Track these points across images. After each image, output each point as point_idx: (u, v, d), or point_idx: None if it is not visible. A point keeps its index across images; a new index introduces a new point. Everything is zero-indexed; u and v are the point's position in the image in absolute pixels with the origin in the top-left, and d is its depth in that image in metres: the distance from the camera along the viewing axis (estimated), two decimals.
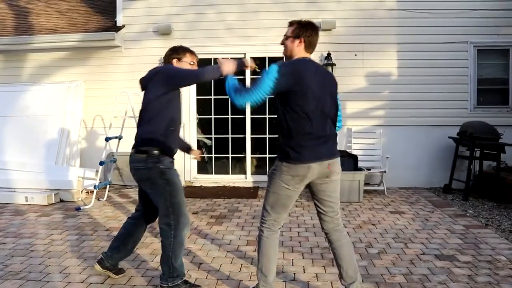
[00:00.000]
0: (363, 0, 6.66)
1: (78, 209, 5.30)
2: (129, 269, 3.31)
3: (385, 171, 6.18)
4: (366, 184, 6.18)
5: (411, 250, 3.75)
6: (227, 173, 7.11)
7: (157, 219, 2.95)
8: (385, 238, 4.10)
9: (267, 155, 6.95)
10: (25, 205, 5.55)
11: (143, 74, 2.95)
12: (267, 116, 6.88)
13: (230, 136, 7.04)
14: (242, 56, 6.76)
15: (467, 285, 3.01)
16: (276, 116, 2.60)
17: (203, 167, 7.18)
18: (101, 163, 5.67)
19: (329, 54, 6.51)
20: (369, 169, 6.25)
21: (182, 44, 3.06)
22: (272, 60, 6.31)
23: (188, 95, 6.87)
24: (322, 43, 6.62)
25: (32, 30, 7.21)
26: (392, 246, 3.88)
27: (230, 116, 7.00)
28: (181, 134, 3.75)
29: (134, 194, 6.27)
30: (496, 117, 6.48)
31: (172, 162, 2.85)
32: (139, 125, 2.87)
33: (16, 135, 6.43)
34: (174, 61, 2.92)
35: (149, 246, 3.88)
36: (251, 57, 6.79)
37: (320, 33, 7.57)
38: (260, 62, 6.83)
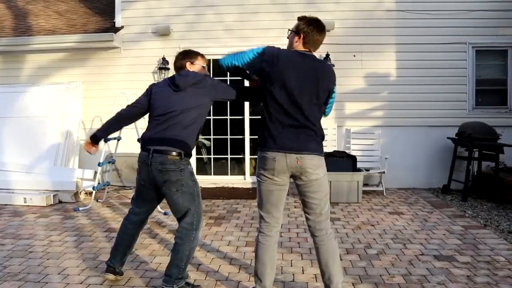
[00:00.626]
0: (362, 1, 6.67)
1: (76, 210, 5.29)
2: (128, 270, 3.30)
3: (384, 172, 6.18)
4: (365, 184, 6.19)
5: (410, 251, 3.75)
6: (226, 174, 7.11)
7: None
8: (384, 239, 4.10)
9: None
10: (23, 206, 5.54)
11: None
12: None
13: (229, 137, 7.04)
14: None
15: (466, 286, 3.01)
16: None
17: (202, 168, 7.18)
18: (99, 164, 5.66)
19: (327, 55, 6.52)
20: (368, 170, 6.25)
21: (191, 48, 3.11)
22: None
23: None
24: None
25: (31, 31, 7.20)
26: (391, 246, 3.88)
27: (229, 117, 7.00)
28: None
29: (132, 195, 6.25)
30: (494, 118, 6.49)
31: None
32: (170, 128, 2.76)
33: (14, 136, 6.42)
34: (188, 65, 2.93)
35: (148, 247, 3.88)
36: None
37: None
38: None
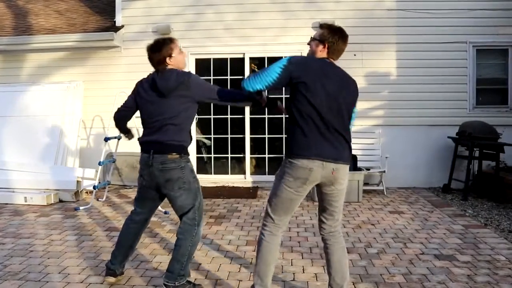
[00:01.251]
0: (362, 0, 6.67)
1: (77, 209, 5.29)
2: (128, 269, 3.30)
3: (384, 171, 6.18)
4: (365, 184, 6.19)
5: (411, 250, 3.75)
6: (227, 173, 7.11)
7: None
8: (384, 238, 4.10)
9: (267, 155, 6.95)
10: (24, 205, 5.54)
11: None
12: (266, 116, 6.88)
13: (229, 136, 7.04)
14: (241, 56, 6.79)
15: (467, 285, 3.01)
16: (279, 115, 2.59)
17: (202, 167, 7.18)
18: (100, 163, 5.66)
19: None
20: (368, 169, 6.25)
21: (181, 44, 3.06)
22: (271, 60, 6.33)
23: None
24: None
25: (31, 30, 7.20)
26: (391, 246, 3.88)
27: (229, 116, 7.00)
28: None
29: (133, 194, 6.26)
30: (495, 117, 6.49)
31: None
32: (163, 129, 2.78)
33: (15, 135, 6.42)
34: (167, 60, 2.81)
35: (148, 246, 3.88)
36: (249, 57, 6.83)
37: None
38: (259, 62, 6.83)
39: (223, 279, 3.14)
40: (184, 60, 2.96)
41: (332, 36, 2.52)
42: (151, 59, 2.84)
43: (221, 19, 6.84)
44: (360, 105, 6.67)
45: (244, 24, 6.78)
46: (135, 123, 5.54)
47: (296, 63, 2.44)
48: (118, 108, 3.10)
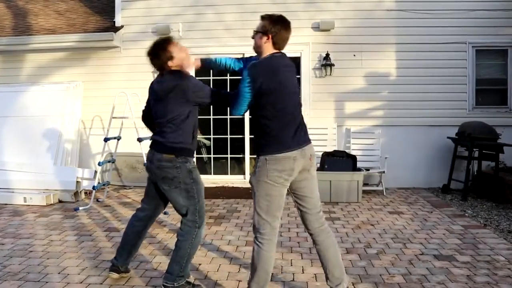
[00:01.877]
0: (362, 0, 6.67)
1: (76, 209, 5.29)
2: None
3: (383, 171, 6.18)
4: (365, 184, 6.19)
5: (410, 250, 3.75)
6: (226, 173, 7.11)
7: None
8: (384, 239, 4.10)
9: None
10: (23, 205, 5.54)
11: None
12: None
13: (228, 136, 7.04)
14: (241, 56, 6.77)
15: (466, 285, 3.01)
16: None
17: (202, 168, 7.18)
18: (99, 164, 5.66)
19: (327, 55, 6.52)
20: (368, 170, 6.25)
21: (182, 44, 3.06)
22: None
23: None
24: (321, 43, 6.68)
25: (30, 30, 7.20)
26: (391, 246, 3.88)
27: (228, 117, 7.00)
28: None
29: (132, 194, 6.26)
30: (494, 117, 6.49)
31: (195, 162, 2.96)
32: (165, 129, 2.83)
33: (14, 136, 6.42)
34: (169, 64, 2.85)
35: (148, 247, 3.88)
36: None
37: (319, 33, 7.56)
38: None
39: (222, 280, 3.14)
40: (188, 56, 2.94)
41: (273, 26, 2.55)
42: (152, 65, 2.91)
43: (221, 19, 6.84)
44: (359, 105, 6.74)
45: (244, 25, 6.78)
46: (135, 123, 5.56)
47: (253, 75, 2.45)
48: (142, 109, 3.18)
